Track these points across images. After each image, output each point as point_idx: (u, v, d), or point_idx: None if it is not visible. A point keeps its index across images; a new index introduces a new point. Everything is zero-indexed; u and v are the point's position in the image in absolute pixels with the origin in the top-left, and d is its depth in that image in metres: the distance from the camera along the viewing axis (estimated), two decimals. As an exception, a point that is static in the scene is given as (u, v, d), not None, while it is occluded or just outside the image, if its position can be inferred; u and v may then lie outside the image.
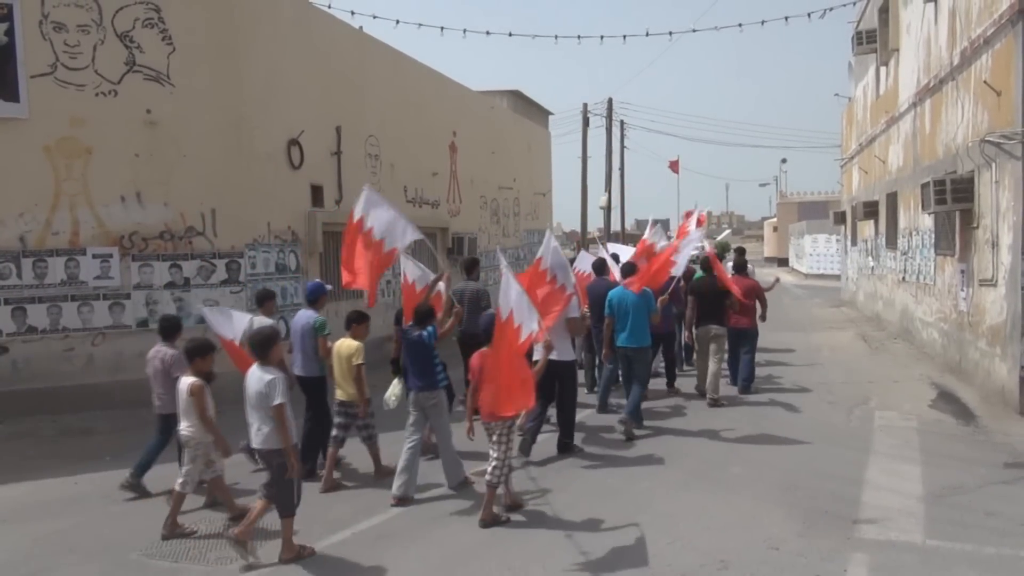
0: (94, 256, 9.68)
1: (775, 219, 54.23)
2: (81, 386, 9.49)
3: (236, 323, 6.90)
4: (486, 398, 5.71)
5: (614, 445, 7.93)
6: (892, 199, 15.56)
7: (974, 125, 10.04)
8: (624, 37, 20.91)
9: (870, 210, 17.37)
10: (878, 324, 16.84)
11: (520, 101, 25.72)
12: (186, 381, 5.80)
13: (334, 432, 6.82)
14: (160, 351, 6.56)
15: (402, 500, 6.22)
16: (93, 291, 9.68)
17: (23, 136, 9.33)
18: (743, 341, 10.15)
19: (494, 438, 5.83)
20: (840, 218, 22.99)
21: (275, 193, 11.06)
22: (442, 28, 17.57)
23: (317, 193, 12.12)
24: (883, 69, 16.31)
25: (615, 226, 36.46)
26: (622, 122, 36.92)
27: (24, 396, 9.24)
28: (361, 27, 14.41)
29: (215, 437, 5.78)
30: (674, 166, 40.37)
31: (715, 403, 9.49)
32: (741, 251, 11.91)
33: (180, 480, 5.81)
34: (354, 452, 7.24)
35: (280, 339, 5.42)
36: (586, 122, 30.05)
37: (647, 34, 18.56)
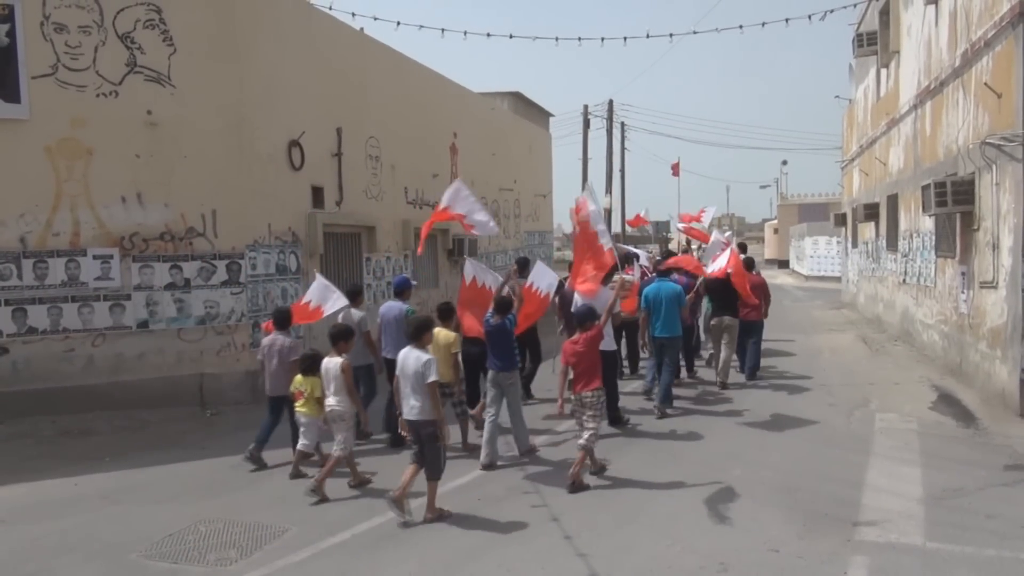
0: (94, 257, 9.68)
1: (776, 221, 54.16)
2: (81, 387, 9.49)
3: (330, 301, 7.89)
4: (581, 376, 6.67)
5: (613, 447, 7.93)
6: (893, 201, 15.56)
7: (975, 127, 10.04)
8: (625, 39, 20.99)
9: (871, 212, 17.36)
10: (878, 326, 16.83)
11: (521, 103, 25.73)
12: (335, 362, 6.65)
13: (457, 410, 7.79)
14: (276, 339, 7.47)
15: (488, 467, 7.20)
16: (93, 292, 9.69)
17: (24, 137, 9.34)
18: (750, 332, 11.09)
19: (589, 411, 6.64)
20: (841, 220, 22.98)
21: (276, 194, 11.06)
22: (443, 30, 17.59)
23: (318, 194, 12.13)
24: (884, 71, 16.31)
25: (616, 228, 36.47)
26: (623, 124, 36.97)
27: (24, 397, 9.24)
28: (362, 28, 14.45)
29: (359, 410, 6.82)
30: (675, 169, 40.37)
31: (724, 387, 10.49)
32: (743, 247, 12.41)
33: (339, 447, 6.65)
34: (358, 463, 7.23)
35: (431, 328, 6.46)
36: (587, 124, 30.09)
37: (648, 36, 18.68)
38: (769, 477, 6.74)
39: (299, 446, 7.07)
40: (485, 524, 5.83)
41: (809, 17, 17.73)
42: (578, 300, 8.04)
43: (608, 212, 31.21)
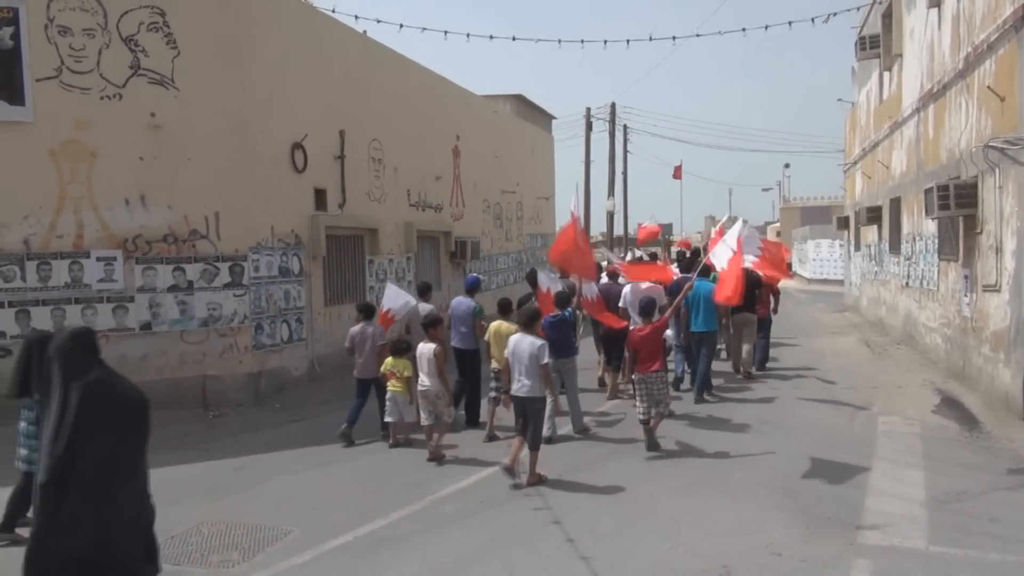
0: (98, 259, 9.70)
1: (778, 224, 54.14)
2: (84, 389, 9.48)
3: (401, 302, 8.94)
4: (645, 358, 7.76)
5: (616, 451, 7.92)
6: (895, 204, 15.54)
7: (978, 130, 10.03)
8: (628, 41, 21.03)
9: (873, 215, 17.34)
10: (881, 329, 16.80)
11: (523, 105, 25.76)
12: (429, 347, 7.63)
13: (492, 393, 8.51)
14: (365, 328, 8.53)
15: (548, 440, 7.83)
16: (97, 294, 9.70)
17: (28, 139, 9.37)
18: (760, 327, 11.96)
19: (656, 387, 7.70)
20: (843, 223, 22.95)
21: (279, 197, 11.08)
22: (446, 32, 17.64)
23: (320, 197, 12.14)
24: (886, 74, 16.30)
25: (618, 231, 36.45)
26: (625, 126, 36.94)
27: (27, 398, 9.24)
28: (365, 31, 14.47)
29: (448, 390, 7.78)
30: (677, 172, 40.36)
31: (748, 376, 11.38)
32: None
33: (425, 418, 7.62)
34: (360, 465, 7.23)
35: (541, 317, 7.40)
36: (589, 126, 30.08)
37: (650, 38, 18.60)
38: (771, 480, 6.73)
39: (386, 418, 8.06)
40: (487, 527, 5.82)
41: (812, 20, 17.75)
42: (627, 295, 9.77)
43: (611, 215, 31.21)
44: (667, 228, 39.26)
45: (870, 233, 18.79)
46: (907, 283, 14.48)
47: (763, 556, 5.12)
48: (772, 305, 12.43)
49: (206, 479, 7.28)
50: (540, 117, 27.52)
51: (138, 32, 9.75)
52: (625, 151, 37.55)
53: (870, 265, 18.99)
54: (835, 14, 16.81)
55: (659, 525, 5.72)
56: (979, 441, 7.94)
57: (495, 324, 8.47)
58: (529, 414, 6.75)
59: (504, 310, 8.57)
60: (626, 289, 10.13)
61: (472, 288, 9.48)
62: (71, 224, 9.59)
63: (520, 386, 6.78)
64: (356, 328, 8.62)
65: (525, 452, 6.80)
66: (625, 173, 37.73)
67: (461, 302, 9.28)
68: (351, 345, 8.55)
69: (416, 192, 15.51)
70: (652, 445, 7.66)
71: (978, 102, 10.02)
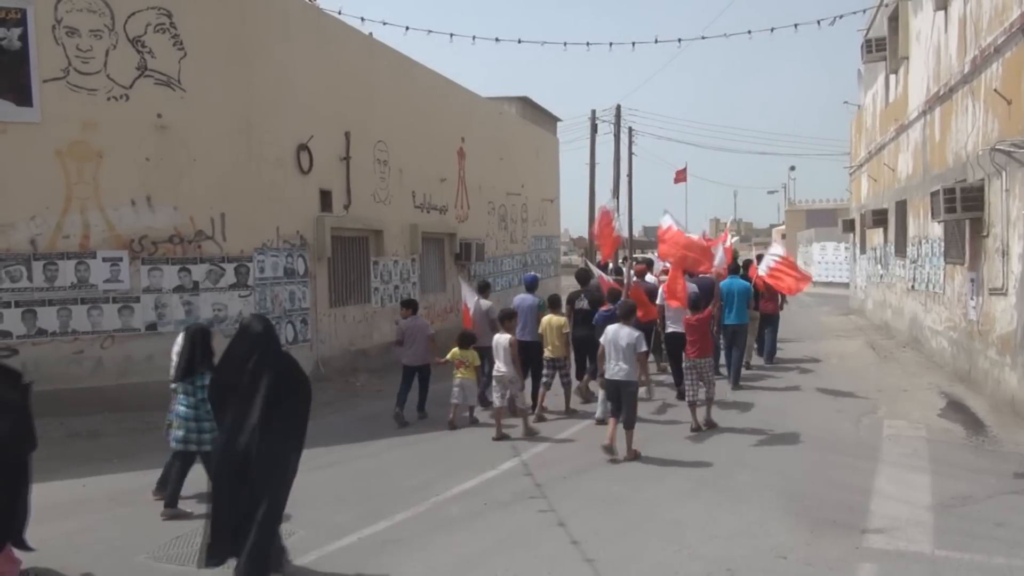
0: (104, 259, 9.73)
1: (783, 227, 54.03)
2: (90, 389, 9.53)
3: (470, 299, 9.96)
4: (694, 345, 8.64)
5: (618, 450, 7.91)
6: (901, 207, 15.50)
7: (984, 133, 10.00)
8: (633, 44, 20.93)
9: (879, 218, 17.30)
10: (887, 332, 16.75)
11: (528, 107, 25.77)
12: (505, 337, 8.60)
13: (544, 379, 9.45)
14: (414, 321, 9.53)
15: (601, 421, 8.66)
16: (103, 294, 9.74)
17: (35, 140, 9.40)
18: (769, 322, 13.09)
19: (704, 372, 8.62)
20: (849, 226, 22.90)
21: (284, 198, 11.10)
22: (451, 35, 17.69)
23: (326, 198, 12.17)
24: (893, 77, 16.27)
25: (623, 231, 36.42)
26: (630, 129, 36.91)
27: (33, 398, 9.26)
28: (371, 33, 14.48)
29: (520, 376, 8.68)
30: (680, 176, 40.14)
31: (747, 367, 11.98)
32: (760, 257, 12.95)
33: (497, 400, 8.48)
34: (364, 466, 7.24)
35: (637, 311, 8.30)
36: (594, 128, 30.06)
37: (656, 41, 18.58)
38: (776, 483, 6.71)
39: (454, 400, 9.01)
40: (491, 529, 5.82)
41: (818, 22, 17.71)
42: (663, 292, 10.29)
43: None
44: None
45: (876, 236, 18.74)
46: (913, 286, 14.43)
47: (768, 559, 5.11)
48: (779, 302, 13.43)
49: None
50: (545, 119, 27.53)
51: (145, 33, 9.79)
52: (630, 153, 37.53)
53: (876, 268, 18.94)
54: (841, 17, 16.79)
55: (663, 528, 5.71)
56: (985, 445, 7.91)
57: (547, 318, 9.50)
58: (624, 396, 7.52)
59: (554, 305, 9.67)
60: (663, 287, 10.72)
61: (532, 285, 10.46)
62: (77, 224, 9.62)
63: (617, 370, 7.52)
64: (406, 321, 9.58)
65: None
66: (630, 175, 37.70)
67: (525, 298, 10.10)
68: (401, 337, 9.56)
69: (421, 194, 15.52)
70: (700, 426, 8.54)
71: (985, 105, 9.99)
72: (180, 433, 6.20)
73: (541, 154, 24.30)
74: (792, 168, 62.56)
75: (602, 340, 7.73)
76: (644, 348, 7.58)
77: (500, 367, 8.55)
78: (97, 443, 8.66)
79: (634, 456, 7.49)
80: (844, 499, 6.25)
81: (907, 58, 14.72)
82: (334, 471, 7.45)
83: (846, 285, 27.30)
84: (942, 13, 12.06)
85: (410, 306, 9.77)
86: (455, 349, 9.07)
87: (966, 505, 6.07)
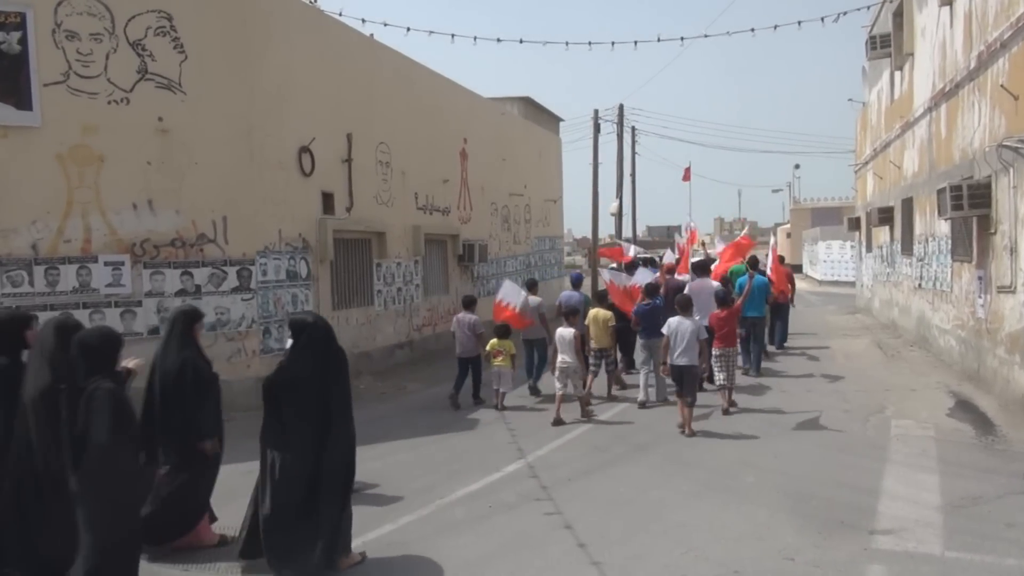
0: (106, 264, 9.75)
1: (788, 225, 53.90)
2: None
3: (518, 298, 10.78)
4: (722, 338, 9.65)
5: (624, 456, 7.90)
6: (907, 205, 15.45)
7: (991, 130, 9.96)
8: (635, 43, 20.91)
9: (885, 216, 17.25)
10: (894, 331, 16.70)
11: (531, 108, 25.77)
12: (569, 331, 9.36)
13: (592, 368, 10.17)
14: (465, 316, 10.46)
15: (642, 405, 9.85)
16: (104, 299, 9.75)
17: (36, 144, 9.43)
18: (780, 312, 14.36)
19: (731, 361, 9.70)
20: (854, 224, 22.83)
21: (286, 200, 11.11)
22: (453, 35, 17.69)
23: (328, 200, 12.17)
24: (898, 73, 16.22)
25: (626, 232, 36.35)
26: (633, 128, 36.89)
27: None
28: (372, 34, 14.49)
29: (583, 366, 9.52)
30: (687, 174, 40.17)
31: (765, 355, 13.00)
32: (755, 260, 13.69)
33: (560, 388, 9.30)
34: (368, 469, 7.22)
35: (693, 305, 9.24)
36: (597, 128, 29.99)
37: (658, 39, 18.53)
38: (783, 484, 6.69)
39: (495, 387, 9.98)
40: (496, 532, 5.81)
41: (822, 19, 17.64)
42: (692, 288, 10.88)
43: (619, 217, 31.15)
44: (677, 230, 39.10)
45: (882, 234, 18.68)
46: (920, 284, 14.38)
47: (776, 561, 5.09)
48: (789, 294, 14.72)
49: (217, 484, 7.27)
50: (548, 119, 27.53)
51: (145, 36, 9.80)
52: (633, 153, 37.50)
53: (882, 266, 18.89)
54: (845, 13, 16.74)
55: (669, 530, 5.70)
56: (995, 444, 7.87)
57: (594, 311, 10.40)
58: (687, 379, 8.62)
59: (601, 299, 10.83)
60: (695, 285, 11.29)
61: (578, 283, 11.79)
62: (79, 229, 9.64)
63: (681, 357, 8.64)
64: (460, 316, 10.57)
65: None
66: (633, 175, 37.67)
67: (572, 295, 11.13)
68: (455, 330, 10.53)
69: (424, 195, 15.53)
70: (727, 408, 9.50)
71: (991, 101, 9.95)
72: None
73: (544, 154, 24.30)
74: (797, 166, 62.78)
75: (665, 331, 8.88)
76: (705, 336, 8.80)
77: (565, 358, 9.36)
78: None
79: (692, 432, 8.47)
80: (852, 500, 6.22)
81: (912, 54, 14.68)
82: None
83: (852, 284, 27.23)
84: (947, 8, 12.02)
85: (464, 302, 10.85)
86: (493, 340, 10.11)
87: (976, 505, 6.04)
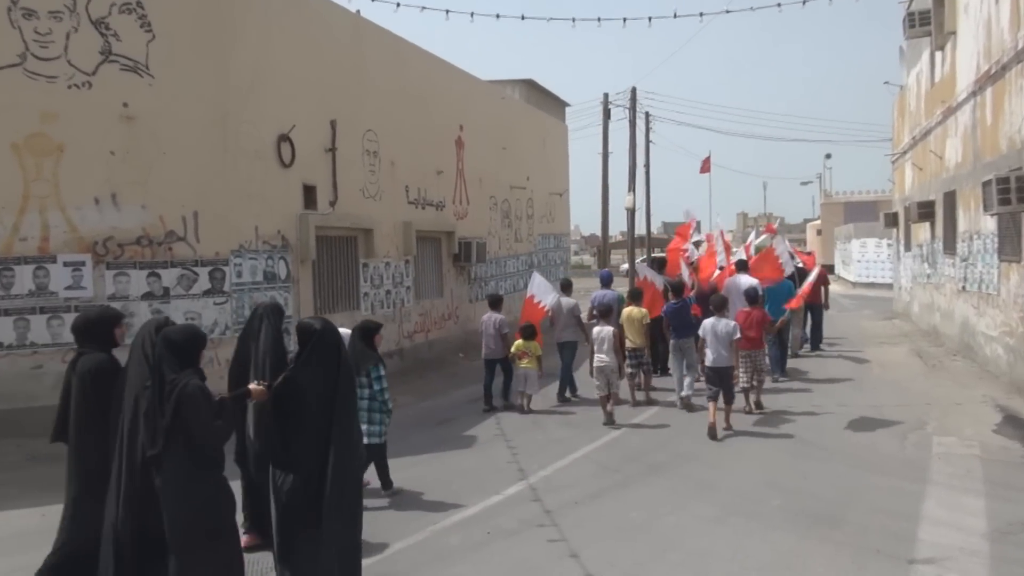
0: (65, 264, 9.76)
1: (819, 221, 53.96)
2: (51, 407, 9.46)
3: (550, 296, 11.60)
4: (750, 341, 10.22)
5: (637, 476, 7.91)
6: (950, 199, 15.46)
7: (1042, 116, 9.97)
8: (649, 19, 20.89)
9: (925, 211, 17.26)
10: (935, 339, 16.70)
11: (534, 91, 25.81)
12: (608, 330, 10.25)
13: (629, 370, 10.99)
14: (492, 317, 11.29)
15: (690, 405, 10.61)
16: (64, 303, 9.76)
17: (-11, 133, 9.44)
18: (815, 313, 15.48)
19: (759, 361, 10.45)
20: (891, 220, 22.84)
21: (264, 194, 11.13)
22: (447, 11, 17.67)
23: (310, 194, 12.19)
24: (938, 54, 16.23)
25: (640, 229, 36.38)
26: (647, 114, 36.90)
27: (-12, 418, 9.30)
28: (359, 11, 14.49)
29: (620, 364, 10.36)
30: (705, 165, 40.21)
31: (794, 355, 14.28)
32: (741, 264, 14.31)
33: (604, 388, 10.13)
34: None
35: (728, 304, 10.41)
36: (607, 114, 30.00)
37: (675, 16, 18.46)
38: (813, 508, 6.69)
39: (520, 389, 10.83)
40: (495, 561, 5.82)
41: (855, -6, 17.63)
42: (729, 286, 12.07)
43: (632, 213, 31.15)
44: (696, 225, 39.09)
45: (922, 231, 18.69)
46: (964, 287, 14.39)
47: (804, 594, 5.08)
48: (823, 296, 15.59)
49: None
50: (552, 104, 27.57)
51: (109, 14, 9.83)
52: (647, 141, 37.52)
53: (922, 267, 18.90)
54: (881, -13, 16.69)
55: (687, 559, 5.70)
56: (1046, 464, 7.87)
57: (628, 310, 11.23)
58: (723, 379, 9.42)
59: (635, 298, 11.49)
60: (730, 281, 12.47)
61: (609, 281, 12.84)
62: (36, 226, 9.66)
63: (717, 358, 9.45)
64: (486, 316, 11.39)
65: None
66: (648, 165, 37.69)
67: (606, 294, 12.06)
68: (482, 331, 11.32)
69: (415, 188, 15.55)
70: (752, 409, 10.29)
71: (1042, 85, 9.96)
72: (363, 427, 6.99)
73: (548, 143, 24.33)
74: (828, 156, 62.15)
75: (700, 332, 9.73)
76: (738, 335, 9.57)
77: (603, 357, 10.10)
78: (58, 468, 8.61)
79: (731, 429, 9.33)
80: (889, 525, 6.22)
81: (954, 33, 14.69)
82: (321, 497, 7.44)
83: (889, 286, 27.25)
84: (993, -18, 12.04)
85: (491, 301, 11.71)
86: (519, 341, 10.88)
87: (1025, 531, 6.04)
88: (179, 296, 10.22)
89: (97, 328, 5.44)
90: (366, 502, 7.09)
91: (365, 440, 6.99)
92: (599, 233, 34.10)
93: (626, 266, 17.42)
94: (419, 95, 15.67)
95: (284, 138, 11.57)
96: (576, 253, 70.67)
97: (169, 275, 10.18)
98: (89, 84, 9.80)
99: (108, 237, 9.92)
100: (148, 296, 10.08)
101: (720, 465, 8.16)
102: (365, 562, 5.78)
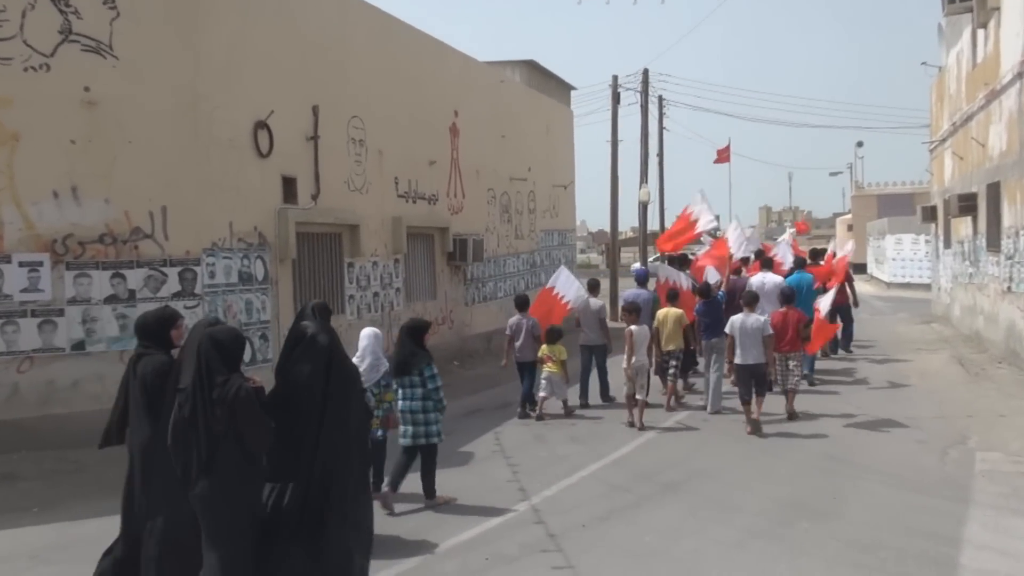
0: (20, 264, 9.75)
1: (849, 216, 53.92)
2: (3, 422, 9.54)
3: (575, 294, 12.20)
4: (786, 343, 10.78)
5: (653, 496, 7.90)
6: (994, 190, 15.46)
7: (1095, 100, 9.97)
8: (663, -6, 20.90)
9: (966, 204, 17.26)
10: (978, 344, 16.71)
11: (536, 73, 25.82)
12: (645, 329, 10.88)
13: (670, 372, 11.56)
14: (521, 320, 11.75)
15: (714, 412, 11.20)
16: (19, 307, 9.75)
17: (-63, 120, 9.45)
18: (844, 314, 15.56)
19: (791, 364, 10.88)
20: (929, 214, 22.85)
21: (239, 187, 11.13)
22: (441, -14, 17.72)
23: (289, 186, 12.19)
24: (981, 32, 16.24)
25: (653, 225, 36.40)
26: (660, 98, 36.95)
27: (-64, 434, 9.30)
28: (343, -15, 14.52)
29: (655, 365, 11.33)
30: (722, 155, 40.12)
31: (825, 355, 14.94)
32: (759, 254, 15.30)
33: (638, 395, 10.58)
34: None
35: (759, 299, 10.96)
36: (616, 98, 29.99)
37: (691, -9, 18.45)
38: (844, 532, 6.69)
39: (542, 394, 11.34)
40: (495, 590, 5.80)
41: (889, -34, 17.75)
42: (751, 283, 12.54)
43: (644, 206, 31.17)
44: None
45: (963, 226, 18.69)
46: (1009, 287, 14.39)
47: (835, 626, 5.08)
48: (850, 295, 16.06)
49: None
50: (557, 88, 27.58)
51: (69, -11, 9.83)
52: (661, 128, 37.57)
53: (963, 265, 18.90)
54: (917, -42, 16.72)
55: (706, 588, 5.69)
56: (1101, 482, 7.87)
57: (665, 310, 11.64)
58: (756, 375, 10.07)
59: (672, 298, 11.83)
60: (756, 280, 12.89)
61: (644, 279, 13.32)
62: (-12, 222, 9.66)
63: (748, 355, 10.02)
64: (514, 319, 11.89)
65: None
66: (661, 155, 37.75)
67: (640, 293, 12.59)
68: (511, 334, 11.77)
69: (406, 180, 15.55)
70: (791, 414, 10.68)
71: (1095, 65, 9.96)
72: (408, 428, 7.73)
73: (552, 130, 24.35)
74: (859, 144, 62.16)
75: (728, 330, 10.27)
76: (770, 332, 10.15)
77: (639, 358, 10.63)
78: (13, 488, 8.67)
79: (758, 431, 9.85)
80: (928, 550, 6.22)
81: (998, 9, 14.70)
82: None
83: (927, 287, 27.25)
84: (1041, -47, 12.04)
85: (519, 304, 12.18)
86: (543, 345, 11.40)
87: (1078, 557, 6.03)
88: (146, 299, 10.20)
89: (154, 329, 5.83)
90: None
91: (422, 441, 7.73)
92: (608, 229, 34.12)
93: (637, 266, 17.55)
94: (410, 78, 15.68)
95: (261, 125, 11.57)
96: (583, 251, 70.58)
97: (135, 276, 10.18)
98: (47, 66, 9.80)
99: (68, 235, 9.92)
100: (112, 299, 10.07)
101: (742, 484, 8.15)
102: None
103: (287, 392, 5.04)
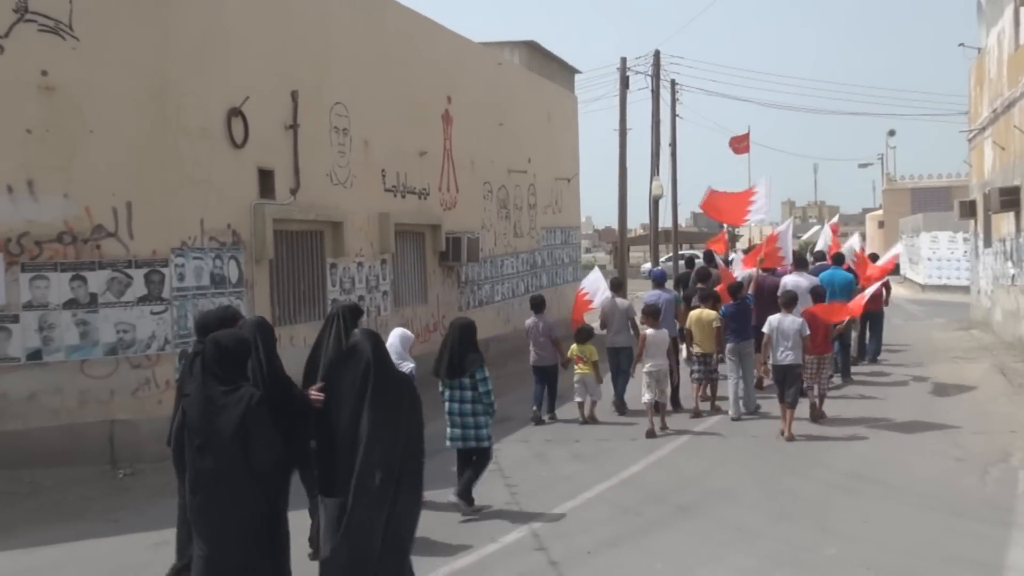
0: (-29, 266, 9.76)
1: (880, 211, 54.02)
2: (-47, 438, 9.54)
3: (600, 293, 13.19)
4: (817, 345, 11.30)
5: (665, 518, 7.91)
6: (1038, 184, 15.47)
7: None
8: (675, -30, 20.92)
9: (1009, 199, 17.27)
10: (1022, 353, 16.72)
11: (537, 55, 25.84)
12: (663, 332, 11.47)
13: (696, 375, 12.25)
14: (537, 321, 12.40)
15: (737, 419, 11.63)
16: (-30, 312, 9.76)
17: None
18: (874, 322, 16.14)
19: (824, 366, 11.55)
20: (968, 210, 22.87)
21: (211, 180, 11.13)
22: (432, -41, 17.66)
23: (266, 179, 12.19)
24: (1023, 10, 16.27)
25: (666, 221, 36.41)
26: (673, 82, 37.01)
27: None
28: (325, -40, 14.54)
29: (673, 368, 11.72)
30: (740, 145, 39.98)
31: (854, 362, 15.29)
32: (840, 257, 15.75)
33: (649, 397, 11.08)
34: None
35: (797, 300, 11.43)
36: (625, 82, 30.04)
37: (707, -35, 18.45)
38: (875, 558, 6.70)
39: (578, 398, 11.87)
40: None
41: (922, -62, 17.79)
42: (786, 283, 12.82)
43: (656, 201, 31.17)
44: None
45: (1004, 223, 18.71)
46: (1056, 290, 14.40)
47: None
48: (884, 298, 16.07)
49: (117, 560, 7.29)
50: (559, 71, 27.60)
51: (24, -36, 9.84)
52: (673, 115, 37.60)
53: (1005, 266, 18.91)
54: (954, -70, 16.75)
55: (723, 620, 5.70)
56: None
57: (695, 312, 12.20)
58: (790, 378, 10.57)
59: (705, 299, 12.32)
60: (791, 280, 13.19)
61: (662, 280, 13.64)
62: (-64, 219, 9.67)
63: (785, 355, 10.66)
64: (530, 321, 12.56)
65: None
66: (674, 144, 37.73)
67: (661, 294, 12.91)
68: (529, 337, 12.45)
69: (394, 173, 15.56)
70: (818, 416, 11.31)
71: None
72: (457, 431, 8.19)
73: (554, 118, 24.36)
74: (891, 133, 62.03)
75: (765, 329, 10.89)
76: (807, 333, 10.76)
77: (658, 362, 11.15)
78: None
79: (792, 437, 10.39)
80: (966, 578, 6.22)
81: (1043, -16, 14.71)
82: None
83: (966, 289, 27.26)
84: (1089, -76, 12.07)
85: (535, 305, 12.71)
86: (573, 345, 11.97)
87: None
88: (109, 304, 10.21)
89: (214, 328, 6.26)
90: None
91: (472, 444, 8.20)
92: (615, 226, 34.12)
93: (647, 266, 17.62)
94: (399, 61, 15.69)
95: (235, 113, 11.58)
96: (588, 250, 70.65)
97: (97, 279, 10.17)
98: (1, 49, 9.81)
99: (23, 233, 9.92)
100: (72, 304, 10.06)
101: (763, 505, 8.16)
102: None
103: (328, 403, 5.35)
